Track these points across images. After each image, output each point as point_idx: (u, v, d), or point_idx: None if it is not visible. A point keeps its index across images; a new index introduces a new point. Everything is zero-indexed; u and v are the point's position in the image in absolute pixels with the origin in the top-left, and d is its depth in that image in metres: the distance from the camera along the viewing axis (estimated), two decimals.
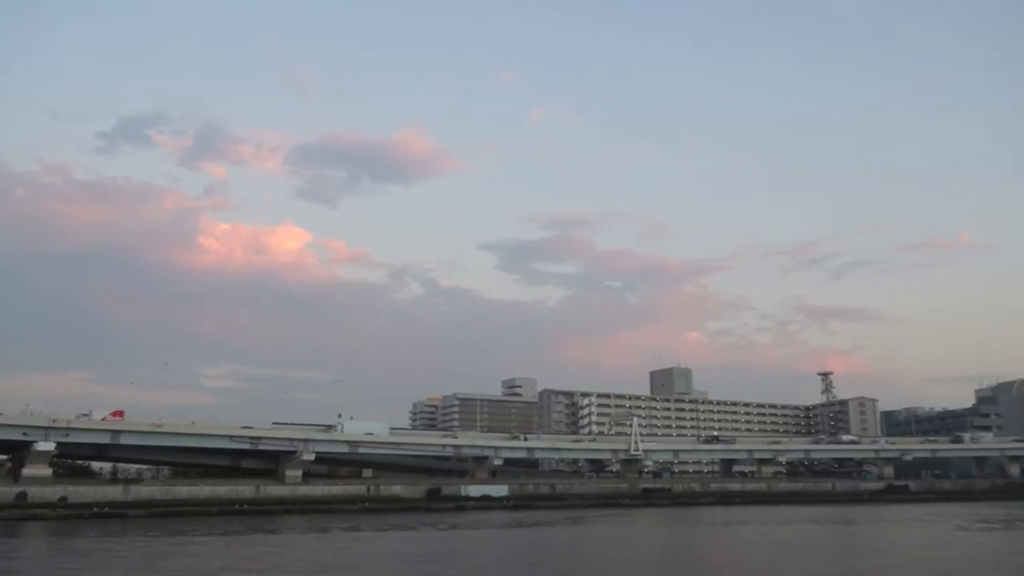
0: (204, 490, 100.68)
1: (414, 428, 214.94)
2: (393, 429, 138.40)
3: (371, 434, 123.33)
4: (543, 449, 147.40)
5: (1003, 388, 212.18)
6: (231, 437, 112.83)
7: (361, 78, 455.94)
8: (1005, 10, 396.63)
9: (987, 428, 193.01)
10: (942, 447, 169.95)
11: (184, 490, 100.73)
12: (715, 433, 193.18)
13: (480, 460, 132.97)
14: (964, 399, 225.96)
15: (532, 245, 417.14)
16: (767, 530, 75.59)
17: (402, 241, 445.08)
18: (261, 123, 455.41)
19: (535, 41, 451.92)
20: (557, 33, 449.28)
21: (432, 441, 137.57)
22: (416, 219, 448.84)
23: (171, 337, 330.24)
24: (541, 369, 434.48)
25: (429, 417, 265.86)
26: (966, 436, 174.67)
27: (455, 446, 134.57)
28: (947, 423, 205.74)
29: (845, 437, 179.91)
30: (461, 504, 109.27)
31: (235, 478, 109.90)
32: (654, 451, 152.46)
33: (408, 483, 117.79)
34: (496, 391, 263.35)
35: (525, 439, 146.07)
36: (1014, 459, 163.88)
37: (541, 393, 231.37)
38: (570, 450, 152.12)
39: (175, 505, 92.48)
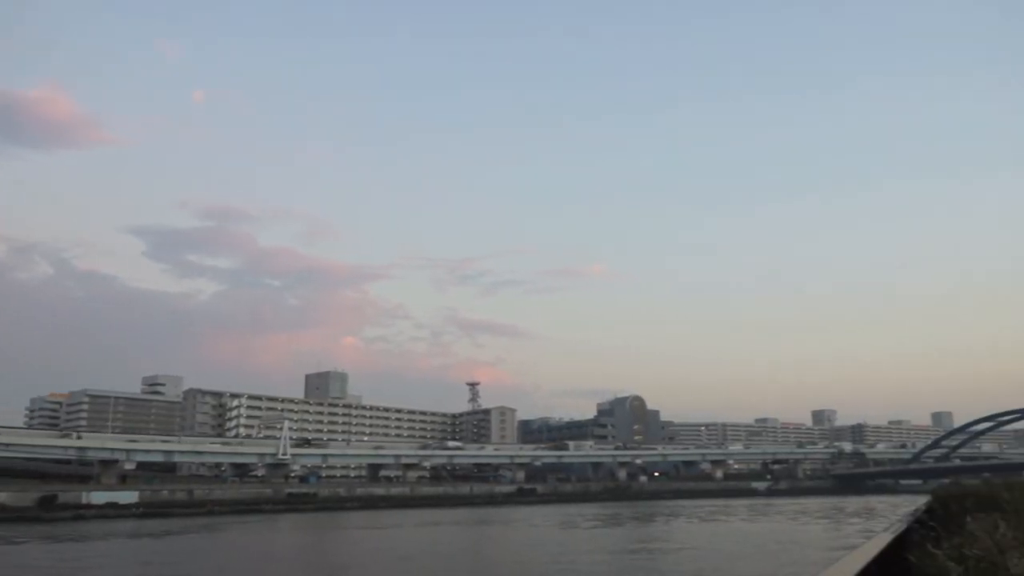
0: None
1: (31, 427, 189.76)
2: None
3: None
4: (183, 452, 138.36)
5: (619, 402, 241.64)
6: None
7: None
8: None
9: (604, 437, 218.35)
10: (551, 453, 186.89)
11: None
12: (361, 436, 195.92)
13: (109, 464, 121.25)
14: (588, 410, 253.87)
15: (186, 234, 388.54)
16: (391, 532, 78.19)
17: (30, 214, 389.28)
18: None
19: (204, 16, 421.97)
20: (227, 11, 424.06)
21: (49, 442, 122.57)
22: (51, 191, 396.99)
23: None
24: (189, 367, 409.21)
25: (51, 416, 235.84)
26: (571, 444, 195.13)
27: (78, 448, 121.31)
28: (573, 431, 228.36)
29: (451, 443, 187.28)
30: (81, 513, 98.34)
31: None
32: (303, 455, 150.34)
33: (16, 490, 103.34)
34: (136, 389, 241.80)
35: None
36: (622, 464, 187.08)
37: (186, 393, 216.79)
38: (213, 453, 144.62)
39: None
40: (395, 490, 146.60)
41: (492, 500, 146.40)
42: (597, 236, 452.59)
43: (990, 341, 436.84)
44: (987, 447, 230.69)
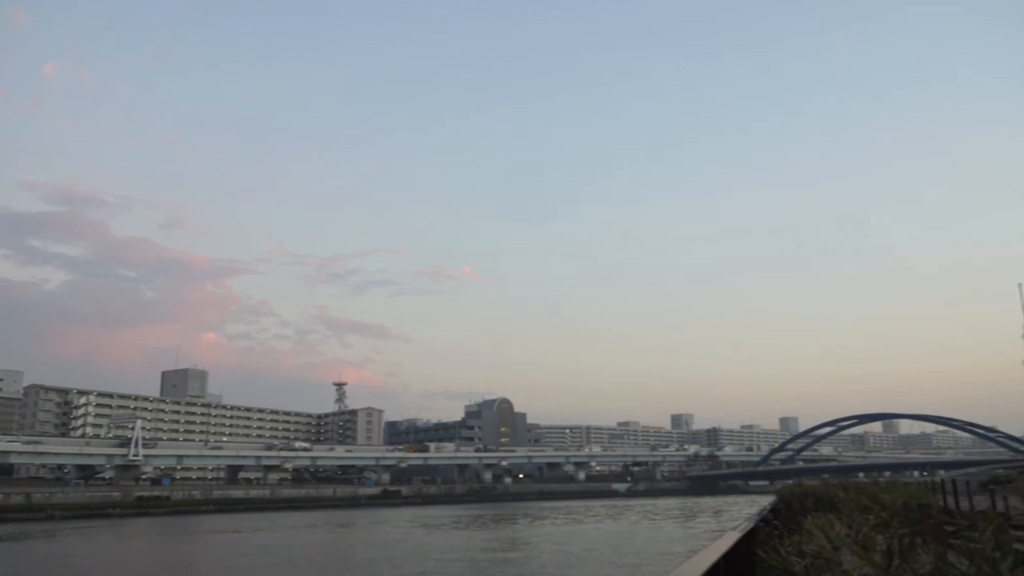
0: None
1: None
2: None
3: None
4: (21, 452, 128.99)
5: (487, 404, 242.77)
6: None
7: None
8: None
9: (471, 439, 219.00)
10: (405, 455, 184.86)
11: None
12: (220, 437, 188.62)
13: None
14: (457, 412, 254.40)
15: (30, 218, 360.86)
16: (246, 536, 75.82)
17: None
18: None
19: None
20: None
21: None
22: None
23: None
24: (31, 362, 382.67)
25: None
26: (432, 446, 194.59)
27: None
28: (440, 433, 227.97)
29: (298, 444, 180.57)
30: None
31: None
32: (156, 456, 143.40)
33: None
34: None
35: None
36: (488, 466, 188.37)
37: (27, 389, 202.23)
38: (56, 454, 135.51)
39: None
40: (254, 492, 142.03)
41: (356, 502, 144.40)
42: (467, 238, 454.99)
43: (832, 350, 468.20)
44: (827, 450, 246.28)
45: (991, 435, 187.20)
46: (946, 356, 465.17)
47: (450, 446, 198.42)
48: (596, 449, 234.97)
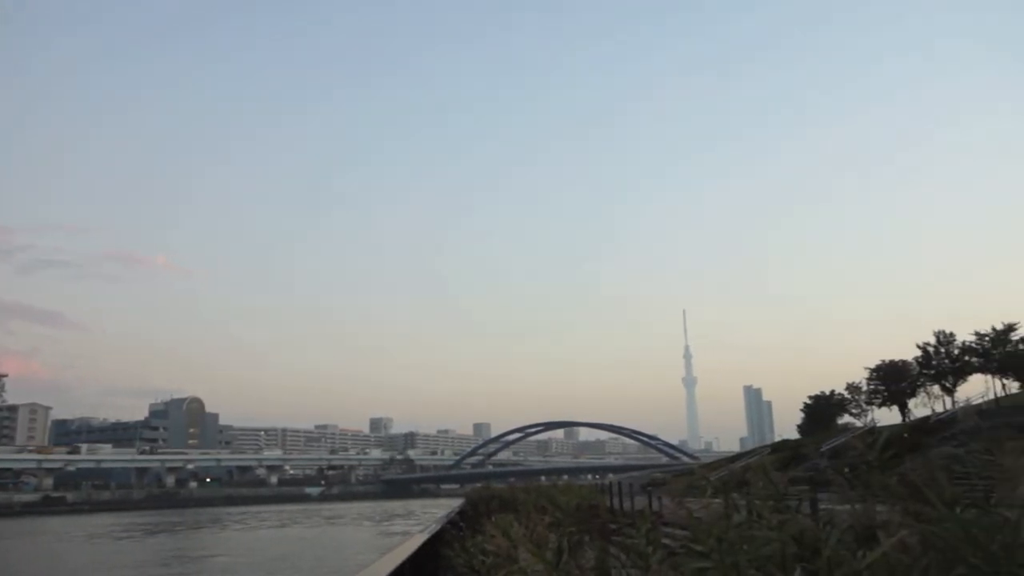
0: None
1: None
2: None
3: None
4: None
5: (175, 404, 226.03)
6: None
7: None
8: None
9: (155, 440, 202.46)
10: (79, 458, 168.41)
11: None
12: None
13: None
14: (141, 412, 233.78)
15: None
16: None
17: None
18: None
19: None
20: None
21: None
22: None
23: None
24: None
25: None
26: (84, 448, 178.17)
27: None
28: (119, 434, 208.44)
29: None
30: None
31: None
32: None
33: None
34: None
35: None
36: (172, 470, 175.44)
37: None
38: None
39: None
40: None
41: (9, 511, 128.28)
42: (165, 223, 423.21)
43: (524, 362, 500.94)
44: (516, 455, 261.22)
45: (653, 442, 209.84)
46: (622, 371, 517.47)
47: (107, 447, 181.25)
48: (294, 453, 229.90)
